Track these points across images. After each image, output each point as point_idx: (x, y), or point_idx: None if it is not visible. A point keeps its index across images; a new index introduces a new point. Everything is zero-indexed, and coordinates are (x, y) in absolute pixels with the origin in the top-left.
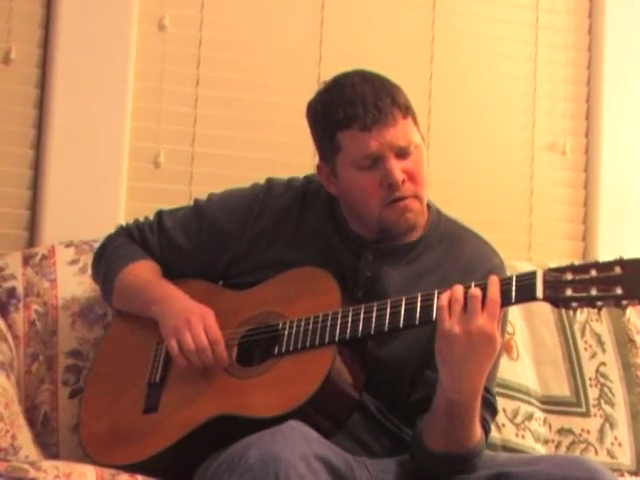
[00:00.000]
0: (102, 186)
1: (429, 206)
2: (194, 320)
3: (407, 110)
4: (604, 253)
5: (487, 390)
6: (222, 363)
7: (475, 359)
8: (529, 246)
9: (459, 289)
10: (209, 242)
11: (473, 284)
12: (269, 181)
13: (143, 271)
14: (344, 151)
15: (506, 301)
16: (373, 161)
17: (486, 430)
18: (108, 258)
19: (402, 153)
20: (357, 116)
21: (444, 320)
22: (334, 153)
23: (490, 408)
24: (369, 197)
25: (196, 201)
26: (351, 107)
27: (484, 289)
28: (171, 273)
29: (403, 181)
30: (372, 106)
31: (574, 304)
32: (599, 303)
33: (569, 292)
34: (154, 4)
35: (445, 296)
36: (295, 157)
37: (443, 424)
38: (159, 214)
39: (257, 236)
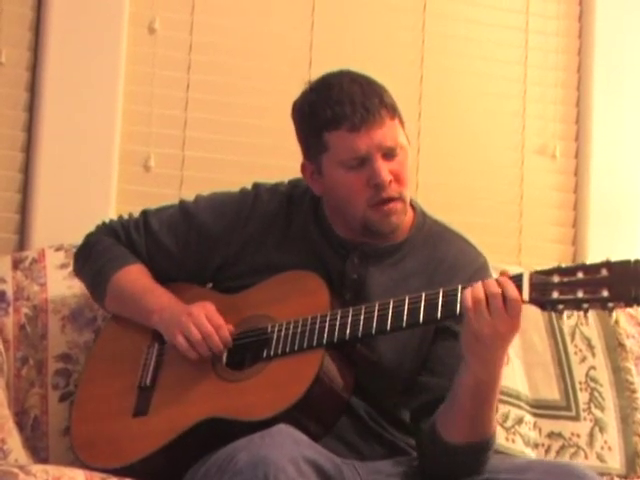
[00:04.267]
0: (92, 189)
1: (414, 207)
2: (195, 311)
3: (394, 111)
4: (594, 257)
5: None
6: (228, 345)
7: (502, 345)
8: (519, 250)
9: (480, 288)
10: (197, 246)
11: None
12: (256, 187)
13: (138, 277)
14: (331, 151)
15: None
16: (360, 161)
17: None
18: (97, 259)
19: (389, 154)
20: (345, 116)
21: (471, 321)
22: (320, 152)
23: None
24: (355, 197)
25: (182, 202)
26: (339, 107)
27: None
28: (158, 275)
29: (390, 182)
30: (360, 106)
31: (560, 307)
32: (585, 305)
33: (555, 294)
34: (144, 7)
35: (469, 296)
36: (286, 161)
37: (467, 409)
38: (145, 214)
39: (245, 242)
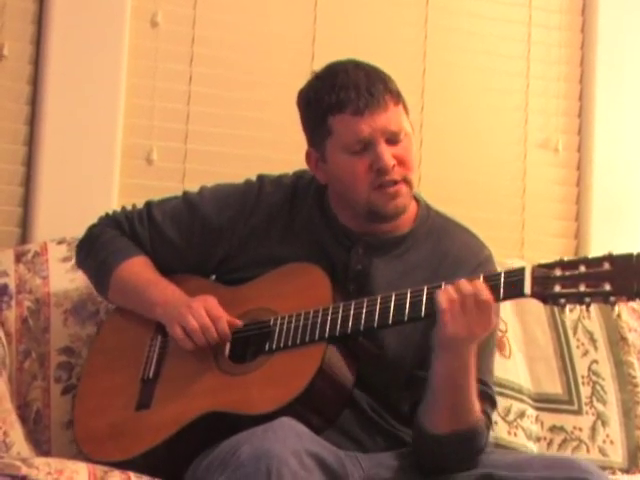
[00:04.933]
0: (94, 183)
1: (418, 200)
2: (195, 304)
3: (398, 97)
4: (596, 250)
5: (485, 383)
6: (226, 338)
7: (476, 339)
8: (521, 243)
9: (451, 290)
10: (200, 238)
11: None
12: (260, 178)
13: (142, 269)
14: (335, 135)
15: (494, 298)
16: (364, 146)
17: (487, 424)
18: (100, 251)
19: (393, 139)
20: (350, 100)
21: (447, 324)
22: (324, 138)
23: (489, 400)
24: (358, 181)
25: (186, 193)
26: (344, 92)
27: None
28: (161, 266)
29: (393, 166)
30: (365, 91)
31: (562, 300)
32: (587, 299)
33: (557, 288)
34: (147, 1)
35: (445, 299)
36: (288, 154)
37: (445, 398)
38: (148, 206)
39: (249, 234)
